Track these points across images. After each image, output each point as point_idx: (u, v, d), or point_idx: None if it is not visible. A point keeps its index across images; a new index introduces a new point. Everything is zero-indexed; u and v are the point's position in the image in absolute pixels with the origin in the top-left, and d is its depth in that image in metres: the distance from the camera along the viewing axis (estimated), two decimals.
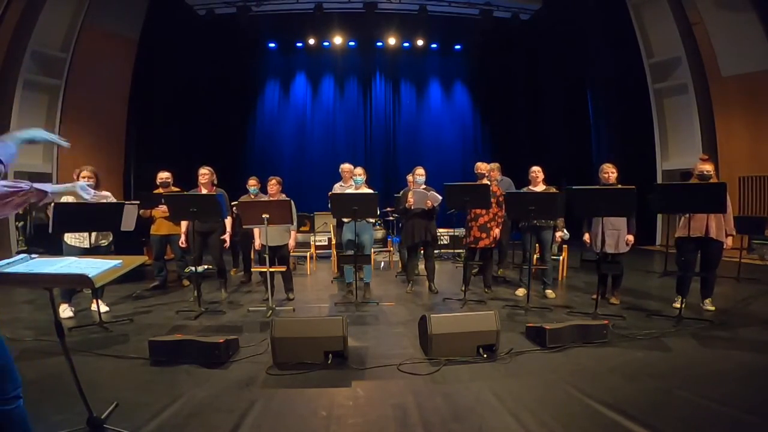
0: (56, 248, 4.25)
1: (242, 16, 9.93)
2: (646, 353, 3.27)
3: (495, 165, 6.01)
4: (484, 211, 5.04)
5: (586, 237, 4.68)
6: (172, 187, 5.62)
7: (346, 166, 5.67)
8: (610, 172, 4.61)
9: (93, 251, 4.13)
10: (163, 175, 5.63)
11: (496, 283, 5.76)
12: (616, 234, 4.51)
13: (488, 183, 5.06)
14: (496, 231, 5.09)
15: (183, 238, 5.08)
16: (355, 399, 2.62)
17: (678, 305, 4.19)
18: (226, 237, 5.06)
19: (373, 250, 5.66)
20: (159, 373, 2.96)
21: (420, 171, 5.28)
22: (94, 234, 4.28)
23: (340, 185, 5.63)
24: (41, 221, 7.23)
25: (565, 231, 5.51)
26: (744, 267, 6.03)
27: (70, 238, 4.27)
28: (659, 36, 9.15)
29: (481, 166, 5.36)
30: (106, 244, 4.44)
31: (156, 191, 5.51)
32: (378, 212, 5.05)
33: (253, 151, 11.39)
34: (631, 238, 4.50)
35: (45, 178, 7.69)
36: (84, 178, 4.18)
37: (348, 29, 10.58)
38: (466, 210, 4.94)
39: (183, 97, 10.17)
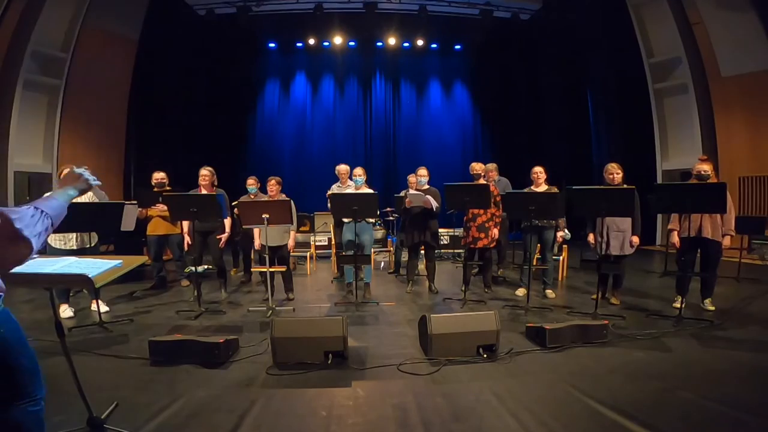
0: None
1: (242, 16, 9.92)
2: (646, 353, 3.27)
3: (492, 165, 6.01)
4: (482, 211, 5.03)
5: (591, 237, 4.64)
6: (167, 188, 5.56)
7: (342, 167, 5.69)
8: (615, 173, 4.51)
9: (79, 253, 4.02)
10: (158, 176, 5.54)
11: (496, 283, 5.76)
12: (621, 236, 4.48)
13: (486, 183, 5.06)
14: (495, 231, 5.08)
15: (188, 239, 4.95)
16: (355, 399, 2.62)
17: (678, 305, 4.19)
18: (223, 237, 5.05)
19: (373, 250, 5.66)
20: (159, 373, 2.96)
21: (422, 171, 5.28)
22: (79, 235, 4.21)
23: (338, 186, 5.64)
24: None
25: (566, 231, 5.50)
26: (744, 267, 6.03)
27: (55, 240, 4.13)
28: (659, 36, 9.15)
29: (476, 167, 5.35)
30: (93, 245, 4.35)
31: (154, 191, 5.49)
32: (378, 212, 5.05)
33: (253, 151, 11.37)
34: (636, 239, 4.46)
35: (45, 178, 7.70)
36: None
37: (348, 29, 10.56)
38: (466, 210, 4.94)
39: (183, 97, 10.15)
